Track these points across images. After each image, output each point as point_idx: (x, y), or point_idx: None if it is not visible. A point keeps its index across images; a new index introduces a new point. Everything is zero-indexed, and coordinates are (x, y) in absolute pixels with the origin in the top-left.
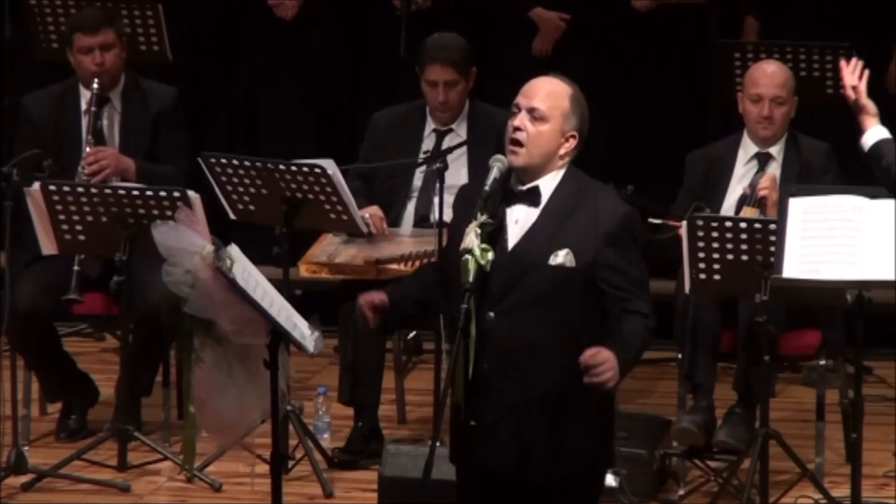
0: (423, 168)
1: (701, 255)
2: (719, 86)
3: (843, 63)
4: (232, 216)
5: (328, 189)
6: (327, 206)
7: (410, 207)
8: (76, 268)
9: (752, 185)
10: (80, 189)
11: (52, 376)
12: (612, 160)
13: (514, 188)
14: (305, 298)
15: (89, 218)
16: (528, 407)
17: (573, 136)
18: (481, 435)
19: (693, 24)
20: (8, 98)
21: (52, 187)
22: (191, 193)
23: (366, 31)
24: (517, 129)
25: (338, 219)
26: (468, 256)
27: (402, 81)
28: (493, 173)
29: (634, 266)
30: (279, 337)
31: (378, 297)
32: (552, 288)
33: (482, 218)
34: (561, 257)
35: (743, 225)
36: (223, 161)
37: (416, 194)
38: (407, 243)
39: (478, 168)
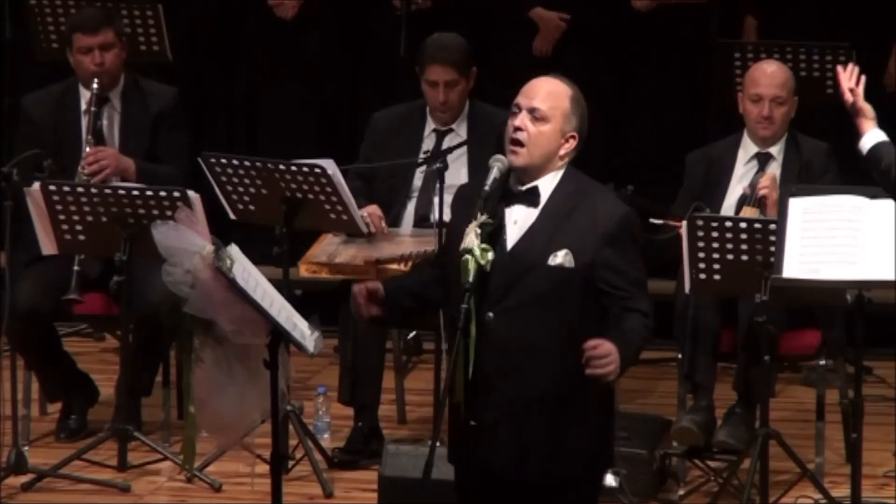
0: (423, 168)
1: (701, 255)
2: (719, 86)
3: (839, 69)
4: (232, 216)
5: (328, 189)
6: (327, 206)
7: (410, 207)
8: (76, 268)
9: (753, 185)
10: (80, 189)
11: (52, 376)
12: (612, 160)
13: (513, 188)
14: (305, 298)
15: (89, 218)
16: (528, 407)
17: (573, 137)
18: (481, 435)
19: (693, 24)
20: (8, 98)
21: (52, 187)
22: (191, 193)
23: (366, 31)
24: (518, 128)
25: (338, 219)
26: (468, 256)
27: (402, 81)
28: (494, 173)
29: (634, 266)
30: (279, 337)
31: (371, 284)
32: (551, 288)
33: (482, 218)
34: (560, 258)
35: (743, 225)
36: (223, 161)
37: (416, 194)
38: (407, 243)
39: (478, 168)
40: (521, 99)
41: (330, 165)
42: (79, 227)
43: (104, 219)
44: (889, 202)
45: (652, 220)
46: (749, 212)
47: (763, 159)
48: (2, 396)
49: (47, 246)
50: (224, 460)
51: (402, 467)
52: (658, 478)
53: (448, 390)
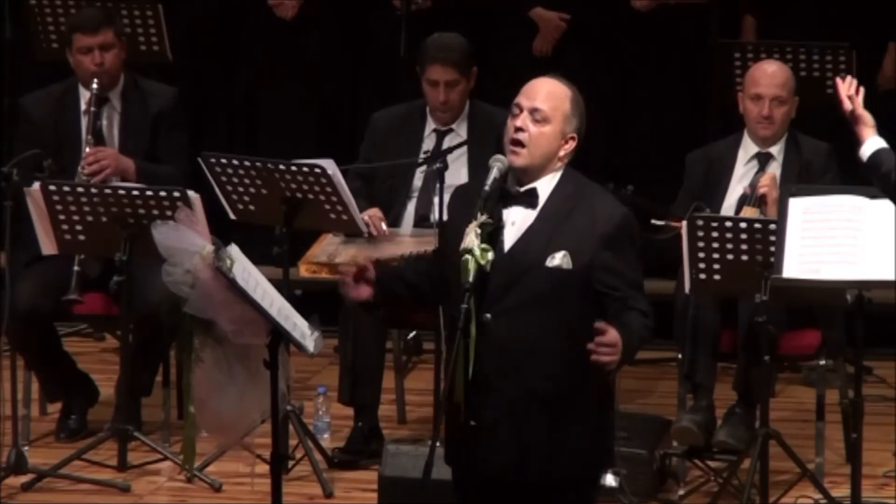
0: (423, 168)
1: (701, 255)
2: (719, 86)
3: (838, 80)
4: (232, 216)
5: (328, 189)
6: (327, 206)
7: (410, 207)
8: (76, 268)
9: (753, 185)
10: (80, 189)
11: (52, 376)
12: (612, 160)
13: (512, 189)
14: (305, 298)
15: (89, 218)
16: (528, 407)
17: (573, 138)
18: (481, 435)
19: (693, 24)
20: (8, 98)
21: (52, 187)
22: (191, 193)
23: (366, 31)
24: (519, 129)
25: (338, 219)
26: (468, 256)
27: (402, 81)
28: (493, 173)
29: (632, 268)
30: (279, 337)
31: (361, 263)
32: (550, 289)
33: (482, 218)
34: (558, 259)
35: (743, 225)
36: (223, 161)
37: (416, 194)
38: (407, 243)
39: (478, 168)
40: (521, 99)
41: (330, 165)
42: (79, 227)
43: (104, 219)
44: (889, 202)
45: (654, 222)
46: (749, 212)
47: (763, 159)
48: (2, 396)
49: (47, 246)
50: (224, 460)
51: (402, 467)
52: (658, 478)
53: (448, 390)
